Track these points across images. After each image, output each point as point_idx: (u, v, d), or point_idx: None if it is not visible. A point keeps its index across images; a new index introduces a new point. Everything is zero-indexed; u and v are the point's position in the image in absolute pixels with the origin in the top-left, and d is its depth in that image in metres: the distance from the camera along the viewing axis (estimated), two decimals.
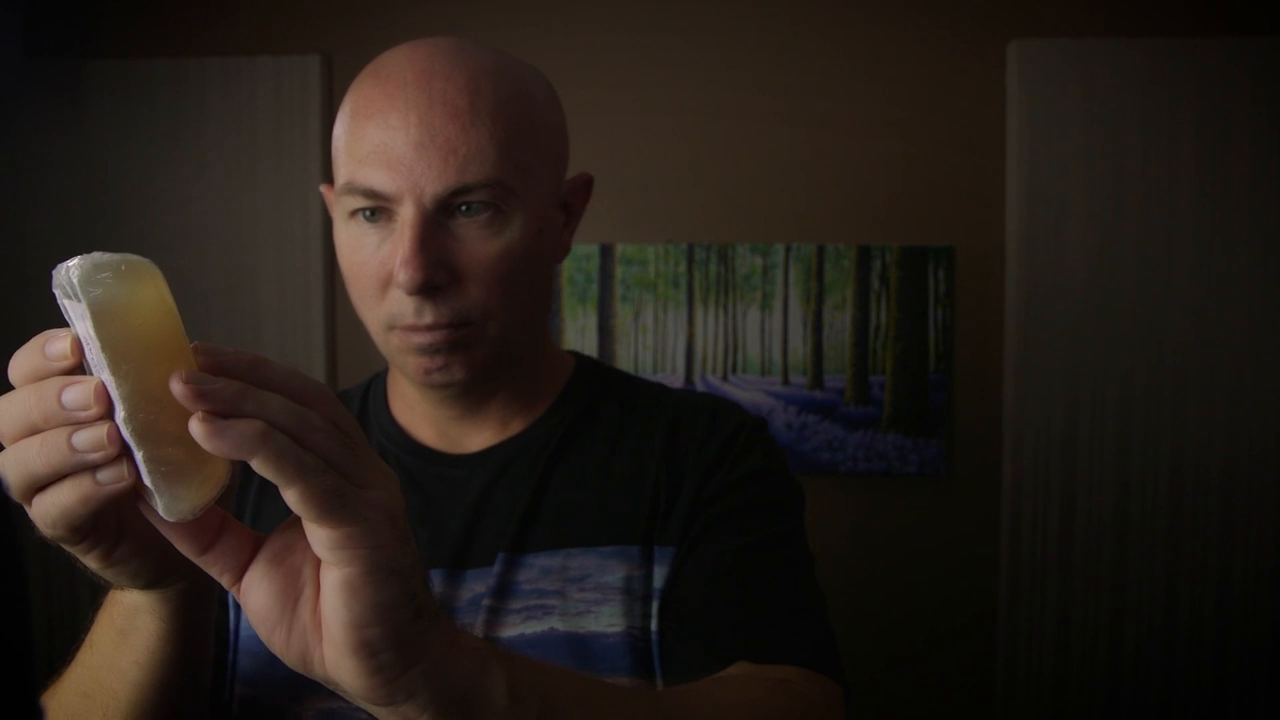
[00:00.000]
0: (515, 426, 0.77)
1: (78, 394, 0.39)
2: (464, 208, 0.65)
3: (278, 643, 0.43)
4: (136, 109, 1.90)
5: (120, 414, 0.37)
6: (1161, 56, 1.80)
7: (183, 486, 0.38)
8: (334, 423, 0.41)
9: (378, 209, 0.66)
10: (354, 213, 0.67)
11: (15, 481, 0.40)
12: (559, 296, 1.91)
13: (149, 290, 0.38)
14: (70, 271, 0.37)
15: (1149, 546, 1.82)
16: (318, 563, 0.42)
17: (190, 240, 1.91)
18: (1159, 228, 1.81)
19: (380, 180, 0.64)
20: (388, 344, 0.70)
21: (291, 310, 1.91)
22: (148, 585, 0.49)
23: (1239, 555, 1.80)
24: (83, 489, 0.39)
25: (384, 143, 0.63)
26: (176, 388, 0.37)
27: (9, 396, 0.42)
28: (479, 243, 0.66)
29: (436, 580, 0.70)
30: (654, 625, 0.69)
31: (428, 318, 0.66)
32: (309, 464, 0.38)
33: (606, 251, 1.90)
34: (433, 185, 0.63)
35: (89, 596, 1.94)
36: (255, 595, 0.43)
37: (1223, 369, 1.80)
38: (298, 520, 0.42)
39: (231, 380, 0.38)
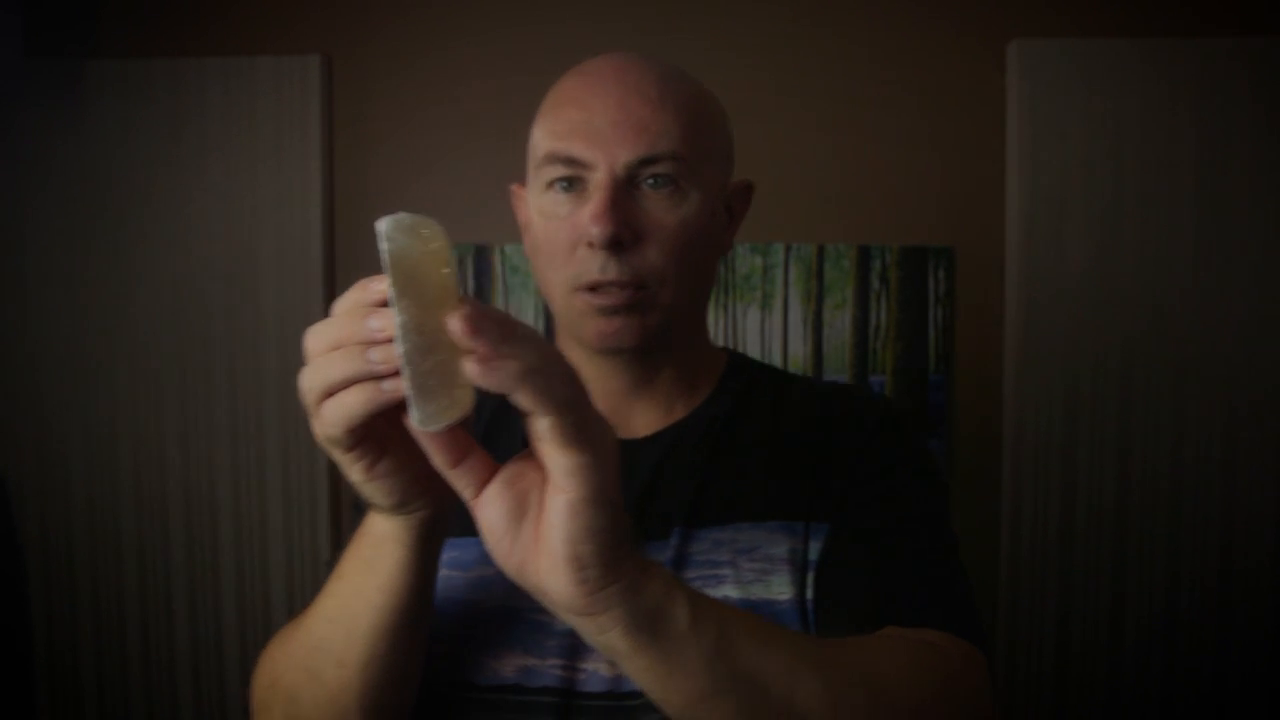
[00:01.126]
0: (679, 412, 0.84)
1: (379, 320, 0.47)
2: (650, 180, 0.75)
3: (501, 552, 0.50)
4: (136, 109, 1.90)
5: (397, 339, 0.46)
6: (1161, 56, 1.80)
7: (435, 405, 0.47)
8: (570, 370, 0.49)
9: (574, 179, 0.75)
10: (551, 183, 0.77)
11: (313, 386, 0.50)
12: None
13: (432, 246, 0.48)
14: (380, 225, 0.48)
15: (1149, 546, 1.82)
16: (543, 489, 0.50)
17: (190, 240, 1.91)
18: (1159, 228, 1.80)
19: (579, 149, 0.74)
20: (570, 307, 0.78)
21: (291, 310, 1.91)
22: (397, 504, 0.56)
23: (1239, 554, 1.80)
24: (367, 393, 0.48)
25: (583, 120, 0.74)
26: (455, 325, 0.45)
27: (326, 322, 0.50)
28: (661, 211, 0.75)
29: None
30: (809, 594, 0.75)
31: (611, 273, 0.74)
32: (560, 399, 0.46)
33: None
34: (625, 154, 0.73)
35: (89, 596, 1.95)
36: (490, 510, 0.50)
37: (1223, 368, 1.80)
38: (528, 454, 0.50)
39: (490, 327, 0.46)
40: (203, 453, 1.93)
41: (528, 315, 1.91)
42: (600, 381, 0.82)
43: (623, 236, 0.73)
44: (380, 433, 0.52)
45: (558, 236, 0.77)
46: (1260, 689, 1.81)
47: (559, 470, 0.48)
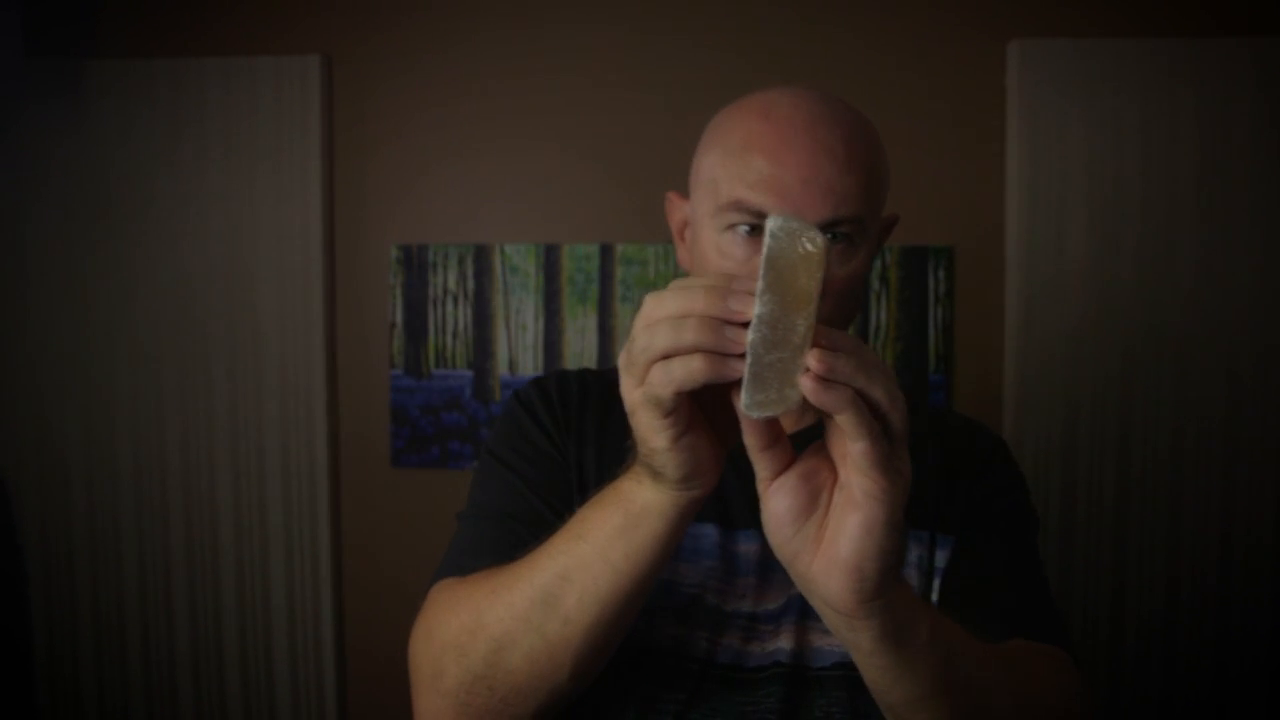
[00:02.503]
0: (809, 418, 0.87)
1: (739, 303, 0.51)
2: (829, 236, 0.78)
3: (780, 539, 0.55)
4: (136, 109, 1.90)
5: (751, 327, 0.50)
6: (1161, 56, 1.80)
7: (765, 395, 0.50)
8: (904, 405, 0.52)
9: (757, 226, 0.78)
10: (732, 226, 0.79)
11: (654, 346, 0.53)
12: (559, 296, 1.91)
13: (808, 256, 0.50)
14: (770, 222, 0.50)
15: (1149, 547, 1.82)
16: (833, 489, 0.54)
17: (190, 240, 1.91)
18: (1159, 228, 1.81)
19: (770, 205, 0.77)
20: None
21: (291, 310, 1.91)
22: (684, 478, 0.58)
23: (1239, 555, 1.80)
24: (712, 364, 0.51)
25: (775, 175, 0.77)
26: (813, 359, 0.49)
27: (676, 292, 0.53)
28: (834, 267, 0.79)
29: (752, 539, 0.82)
30: (934, 599, 0.82)
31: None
32: (878, 430, 0.50)
33: (606, 251, 1.90)
34: (812, 215, 0.76)
35: (89, 596, 1.95)
36: (780, 497, 0.55)
37: (1223, 368, 1.80)
38: (822, 450, 0.55)
39: (844, 353, 0.50)
40: (203, 453, 1.93)
41: (528, 315, 1.91)
42: None
43: None
44: (694, 409, 0.57)
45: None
46: (1260, 687, 1.81)
47: (862, 491, 0.52)
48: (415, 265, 1.92)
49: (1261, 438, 1.80)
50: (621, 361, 0.56)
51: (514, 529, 0.80)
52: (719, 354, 0.51)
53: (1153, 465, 1.81)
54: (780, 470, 0.55)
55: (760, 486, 0.55)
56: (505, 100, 1.90)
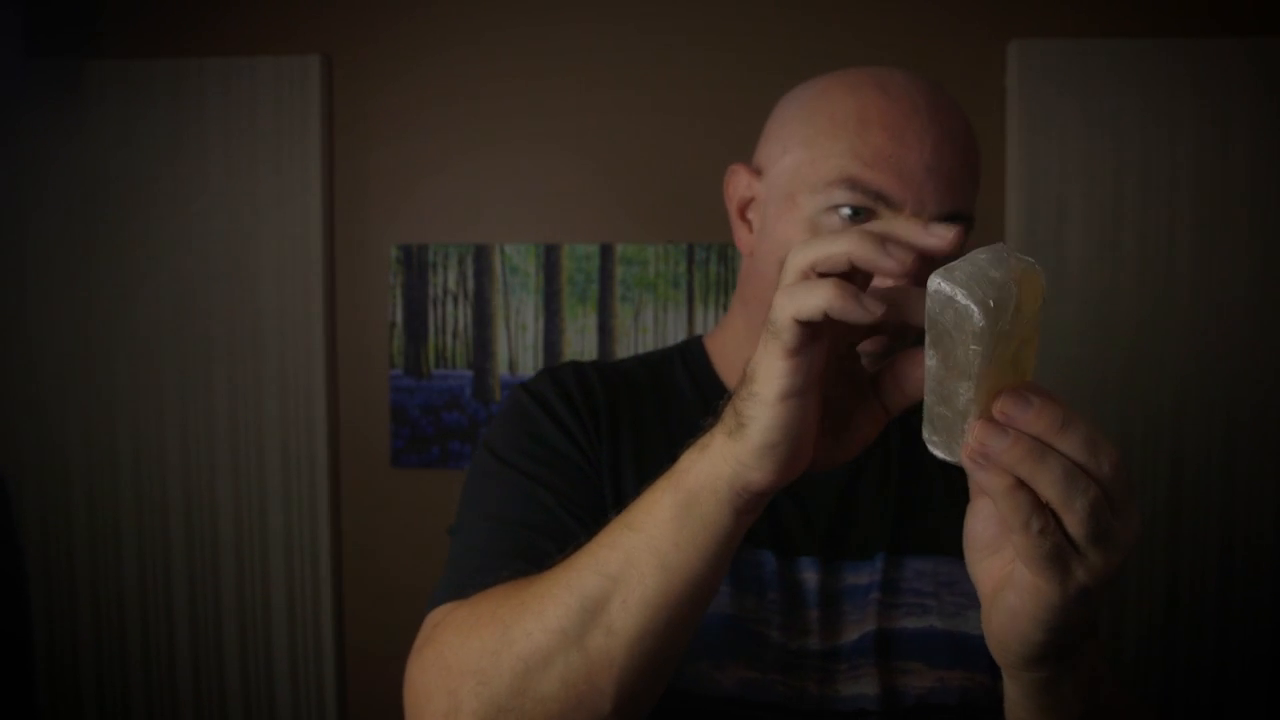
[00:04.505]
0: None
1: (941, 235, 0.48)
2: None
3: (968, 559, 0.50)
4: (136, 109, 1.90)
5: (925, 371, 0.46)
6: (1161, 56, 1.80)
7: (939, 436, 0.46)
8: (1106, 496, 0.44)
9: (862, 209, 0.69)
10: (833, 207, 0.70)
11: (835, 252, 0.47)
12: (559, 296, 1.91)
13: (967, 328, 0.44)
14: (930, 281, 0.44)
15: (1149, 547, 1.81)
16: None
17: (190, 240, 1.91)
18: (1159, 228, 1.81)
19: (891, 186, 0.68)
20: None
21: (291, 310, 1.91)
22: (767, 443, 0.49)
23: (1239, 556, 1.80)
24: (845, 295, 0.45)
25: (897, 155, 0.68)
26: (1000, 409, 0.43)
27: (866, 233, 0.48)
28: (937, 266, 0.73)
29: (811, 567, 0.75)
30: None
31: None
32: (1035, 526, 0.43)
33: (606, 251, 1.90)
34: (934, 206, 0.69)
35: (89, 596, 1.95)
36: (974, 520, 0.49)
37: (1223, 368, 1.80)
38: None
39: (1012, 434, 0.43)
40: (203, 453, 1.93)
41: (528, 315, 1.91)
42: None
43: None
44: (828, 370, 0.51)
45: None
46: (1260, 689, 1.81)
47: (1020, 575, 0.46)
48: (415, 265, 1.92)
49: (1261, 437, 1.80)
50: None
51: (533, 540, 0.68)
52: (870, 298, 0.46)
53: (1152, 464, 1.81)
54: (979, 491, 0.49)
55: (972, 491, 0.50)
56: (505, 100, 1.91)
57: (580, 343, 1.91)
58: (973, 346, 0.43)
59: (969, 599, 0.74)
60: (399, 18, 1.92)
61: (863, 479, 0.79)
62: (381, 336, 1.95)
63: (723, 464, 0.51)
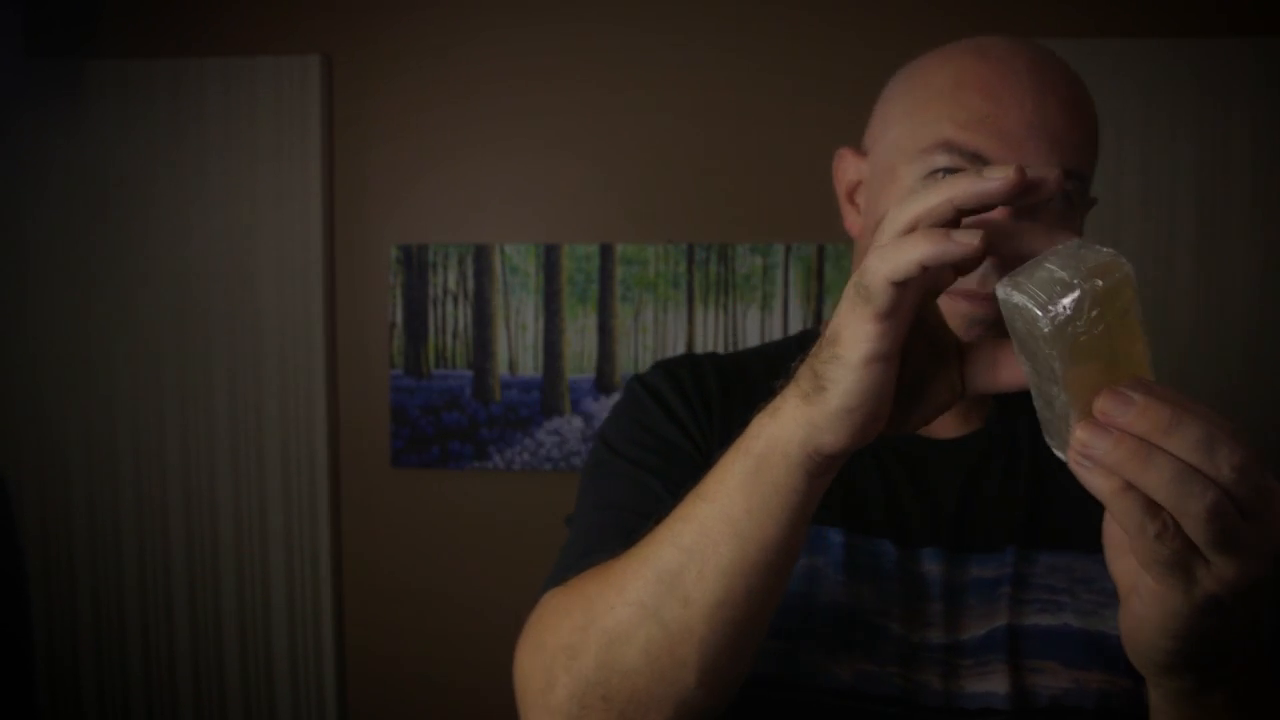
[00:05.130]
0: (975, 421, 0.79)
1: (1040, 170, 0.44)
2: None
3: (1107, 558, 0.49)
4: (136, 109, 1.90)
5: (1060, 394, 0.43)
6: (1162, 56, 1.80)
7: (1053, 440, 0.44)
8: (1230, 498, 0.40)
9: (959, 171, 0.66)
10: (932, 173, 0.68)
11: (934, 201, 0.45)
12: (559, 296, 1.91)
13: (1037, 333, 0.42)
14: (998, 289, 0.43)
15: None
16: None
17: (190, 240, 1.91)
18: (1159, 228, 1.81)
19: (988, 147, 0.66)
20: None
21: (291, 310, 1.91)
22: (846, 407, 0.47)
23: None
24: (937, 240, 0.43)
25: (994, 115, 0.66)
26: (1100, 409, 0.41)
27: (973, 180, 0.45)
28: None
29: (935, 558, 0.72)
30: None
31: (990, 286, 0.67)
32: (1150, 530, 0.41)
33: (606, 251, 1.90)
34: (1036, 165, 0.63)
35: (89, 596, 1.95)
36: (1109, 522, 0.47)
37: (1222, 368, 1.80)
38: None
39: (1116, 434, 0.41)
40: (203, 453, 1.93)
41: (528, 315, 1.91)
42: None
43: None
44: (917, 349, 0.50)
45: None
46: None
47: (1147, 586, 0.44)
48: (415, 265, 1.92)
49: (1262, 434, 1.80)
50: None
51: (637, 524, 0.66)
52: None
53: None
54: None
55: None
56: (505, 100, 1.91)
57: (580, 343, 1.91)
58: (1047, 350, 0.42)
59: (1107, 597, 0.70)
60: (399, 18, 1.92)
61: (987, 468, 0.76)
62: (381, 336, 1.95)
63: (794, 427, 0.49)
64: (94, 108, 1.90)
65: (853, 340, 0.46)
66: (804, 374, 0.50)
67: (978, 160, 0.66)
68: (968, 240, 0.43)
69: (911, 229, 0.45)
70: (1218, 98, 1.79)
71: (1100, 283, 0.41)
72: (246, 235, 1.91)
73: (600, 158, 1.91)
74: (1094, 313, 0.41)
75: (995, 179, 0.44)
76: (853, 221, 0.79)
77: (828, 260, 1.87)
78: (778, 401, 0.52)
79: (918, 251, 0.43)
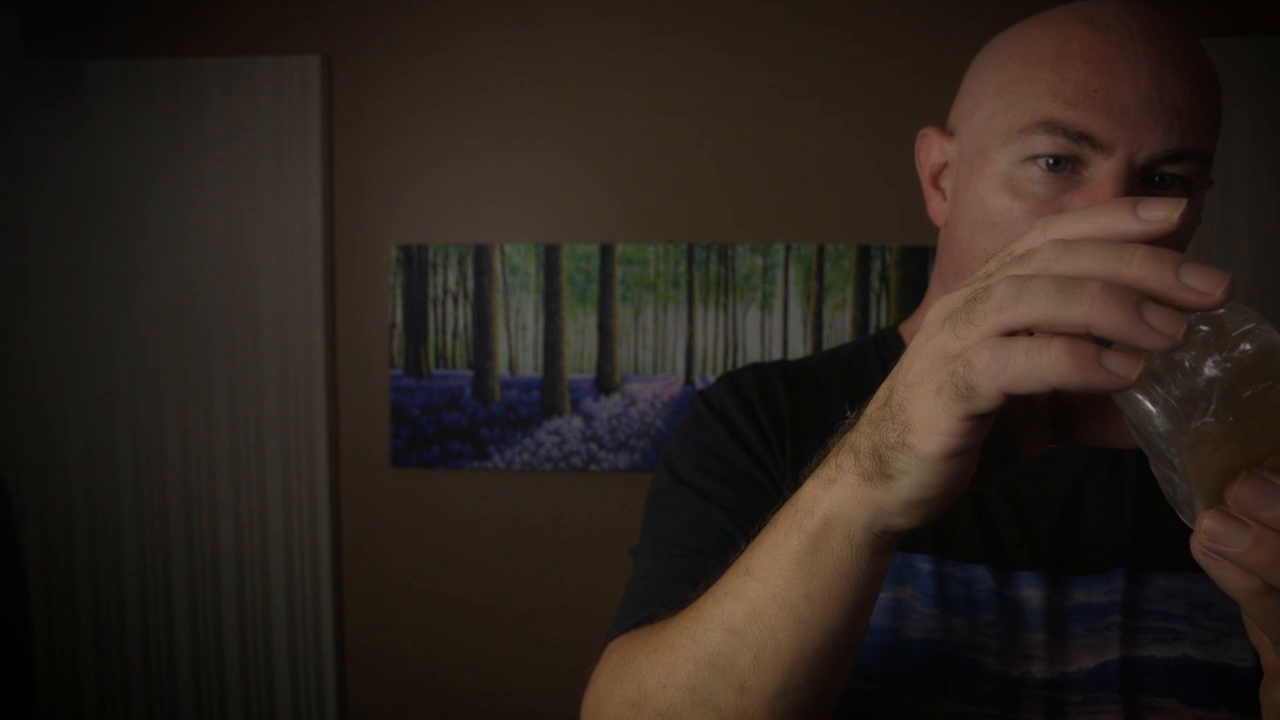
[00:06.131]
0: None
1: (1202, 275, 0.32)
2: (1159, 179, 0.60)
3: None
4: (136, 109, 1.90)
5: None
6: None
7: (1173, 500, 0.37)
8: None
9: (1064, 157, 0.60)
10: (1030, 158, 0.61)
11: (1030, 305, 0.34)
12: (559, 296, 1.91)
13: (1132, 410, 0.36)
14: (1206, 320, 0.35)
15: None
16: None
17: (190, 240, 1.91)
18: None
19: (1099, 125, 0.58)
20: None
21: (291, 310, 1.91)
22: (918, 499, 0.40)
23: None
24: (1079, 360, 0.33)
25: (1105, 88, 0.58)
26: (1235, 499, 0.34)
27: (1089, 241, 0.35)
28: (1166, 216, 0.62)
29: (1034, 583, 0.65)
30: None
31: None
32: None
33: (606, 251, 1.90)
34: (1152, 144, 0.58)
35: (89, 596, 1.95)
36: None
37: None
38: None
39: (1266, 538, 0.34)
40: (203, 453, 1.93)
41: (527, 315, 1.91)
42: None
43: None
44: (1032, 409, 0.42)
45: (1025, 222, 0.61)
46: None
47: None
48: (415, 265, 1.92)
49: None
50: (946, 302, 0.38)
51: (704, 566, 0.61)
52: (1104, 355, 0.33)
53: None
54: None
55: None
56: (505, 100, 1.91)
57: (580, 343, 1.91)
58: (1163, 446, 0.35)
59: (1230, 624, 0.63)
60: (399, 18, 1.92)
61: (1088, 480, 0.69)
62: (381, 336, 1.95)
63: (857, 507, 0.42)
64: (94, 108, 1.91)
65: (930, 431, 0.38)
66: (864, 449, 0.42)
67: (1084, 140, 0.58)
68: (1125, 373, 0.33)
69: (1035, 318, 0.34)
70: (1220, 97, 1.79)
71: (1232, 365, 0.33)
72: (246, 235, 1.91)
73: (600, 158, 1.91)
74: (1224, 399, 0.34)
75: (1146, 228, 0.34)
76: (937, 208, 0.71)
77: (827, 260, 1.87)
78: (832, 470, 0.44)
79: (1055, 372, 0.33)
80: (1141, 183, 0.60)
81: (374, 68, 1.93)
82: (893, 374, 0.41)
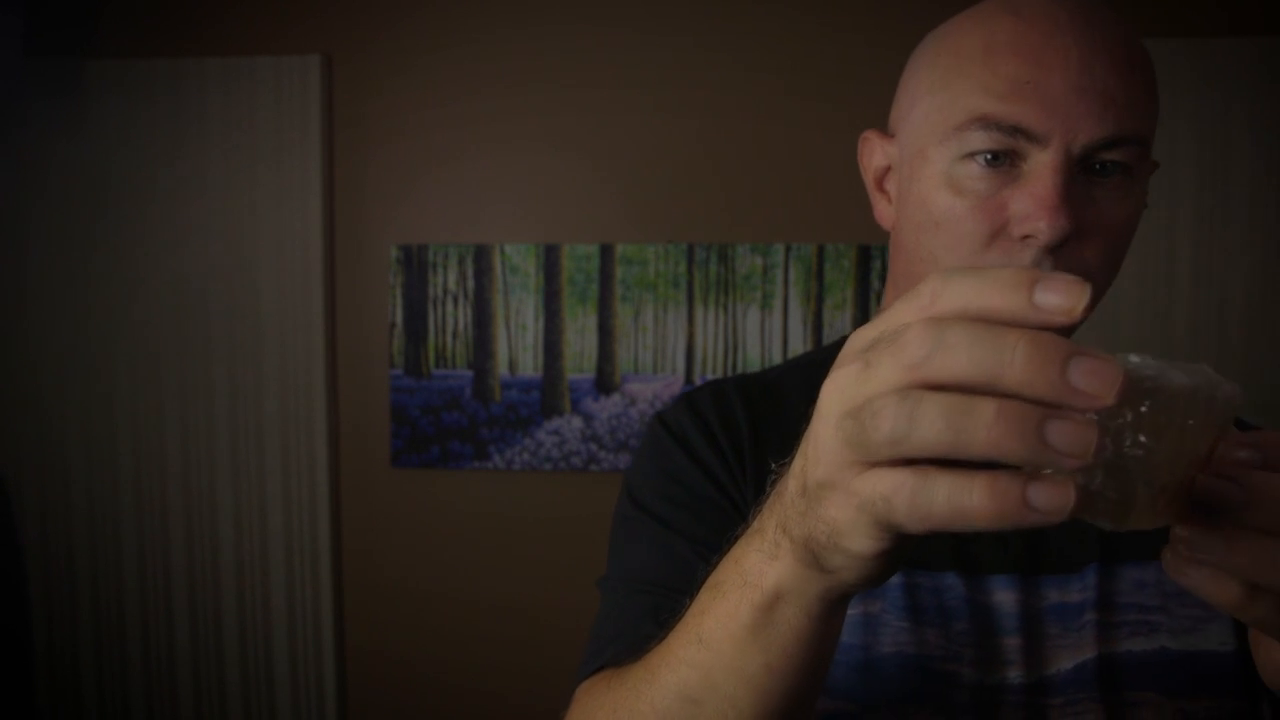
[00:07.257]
0: None
1: (1091, 374, 0.29)
2: (1099, 166, 0.60)
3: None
4: (136, 109, 1.90)
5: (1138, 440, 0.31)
6: (1162, 56, 1.79)
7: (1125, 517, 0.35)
8: None
9: (1001, 152, 0.59)
10: (968, 155, 0.60)
11: (921, 440, 0.31)
12: (559, 296, 1.91)
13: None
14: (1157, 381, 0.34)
15: None
16: None
17: (190, 240, 1.91)
18: (1160, 228, 1.81)
19: (1032, 118, 0.58)
20: None
21: (291, 310, 1.91)
22: (860, 580, 0.39)
23: None
24: (1004, 505, 0.30)
25: (1036, 80, 0.58)
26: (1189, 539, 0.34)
27: (966, 328, 0.31)
28: (1109, 204, 0.61)
29: (1006, 586, 0.65)
30: None
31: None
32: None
33: (606, 251, 1.90)
34: (1088, 132, 0.58)
35: (89, 596, 1.95)
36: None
37: (1222, 367, 1.80)
38: None
39: (1239, 539, 0.35)
40: (203, 453, 1.93)
41: (527, 315, 1.91)
42: None
43: (1070, 234, 0.59)
44: None
45: (968, 220, 0.61)
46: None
47: None
48: (415, 265, 1.92)
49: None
50: (841, 389, 0.35)
51: (669, 600, 0.61)
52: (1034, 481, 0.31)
53: None
54: None
55: None
56: (505, 100, 1.91)
57: (580, 343, 1.91)
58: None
59: (1205, 610, 0.64)
60: (399, 18, 1.92)
61: None
62: (381, 336, 1.95)
63: (805, 583, 0.40)
64: (94, 108, 1.91)
65: (858, 537, 0.36)
66: (795, 534, 0.39)
67: (1019, 134, 0.58)
68: (1056, 509, 0.30)
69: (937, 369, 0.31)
70: (1218, 98, 1.79)
71: (1146, 437, 0.32)
72: (247, 235, 1.91)
73: (600, 158, 1.91)
74: (1168, 465, 0.33)
75: (1041, 318, 0.31)
76: (884, 211, 0.70)
77: (827, 260, 1.87)
78: (771, 546, 0.42)
79: (981, 518, 0.31)
80: (1082, 171, 0.60)
81: (374, 68, 1.93)
82: (804, 443, 0.38)
